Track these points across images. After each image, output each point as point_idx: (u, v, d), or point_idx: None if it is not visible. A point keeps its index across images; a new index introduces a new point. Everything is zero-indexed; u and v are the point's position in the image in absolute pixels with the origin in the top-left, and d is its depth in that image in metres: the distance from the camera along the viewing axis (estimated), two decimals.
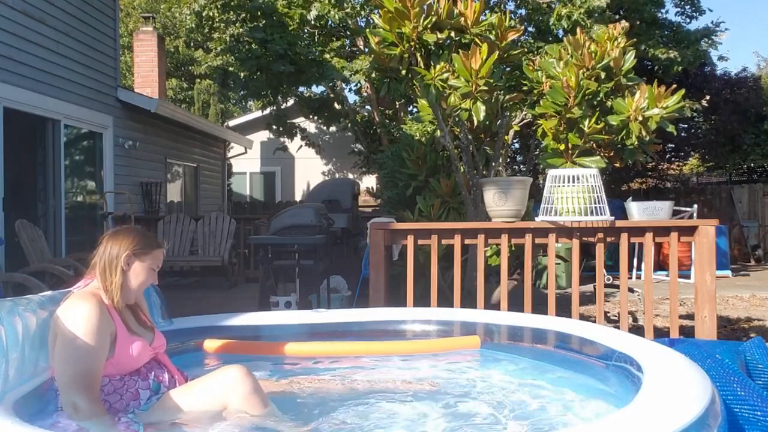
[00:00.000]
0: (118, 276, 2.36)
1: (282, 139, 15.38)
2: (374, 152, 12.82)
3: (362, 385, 2.94)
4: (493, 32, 4.94)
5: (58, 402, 2.28)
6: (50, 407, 2.30)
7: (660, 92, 4.70)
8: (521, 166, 11.59)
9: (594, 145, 4.98)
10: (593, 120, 4.75)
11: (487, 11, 5.00)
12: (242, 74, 11.92)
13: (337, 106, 14.08)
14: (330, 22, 11.66)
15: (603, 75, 4.83)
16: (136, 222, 8.86)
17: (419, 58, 4.92)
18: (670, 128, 4.83)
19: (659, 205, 4.64)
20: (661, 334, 4.84)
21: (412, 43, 4.82)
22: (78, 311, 2.24)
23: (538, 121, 5.08)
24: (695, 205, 10.78)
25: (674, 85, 4.83)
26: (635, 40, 5.58)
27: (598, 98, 4.86)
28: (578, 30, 5.19)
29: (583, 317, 4.83)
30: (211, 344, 3.26)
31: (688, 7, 12.74)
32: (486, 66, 4.55)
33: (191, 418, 2.32)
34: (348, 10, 11.16)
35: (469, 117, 4.78)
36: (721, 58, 12.44)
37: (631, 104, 4.72)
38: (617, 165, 5.18)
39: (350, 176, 16.75)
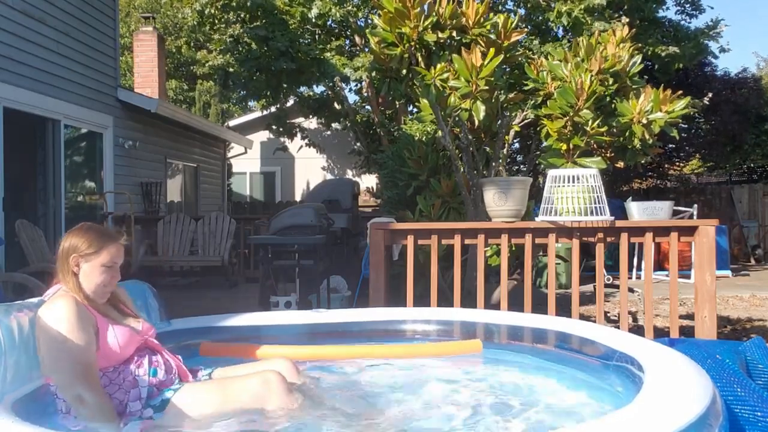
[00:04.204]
0: (71, 278, 2.35)
1: (282, 139, 15.39)
2: (374, 152, 12.82)
3: (367, 384, 2.94)
4: (495, 32, 4.94)
5: (58, 405, 2.29)
6: (50, 409, 2.31)
7: (665, 96, 4.69)
8: (521, 166, 11.58)
9: (595, 145, 4.97)
10: (596, 122, 4.75)
11: (488, 11, 5.00)
12: (242, 75, 11.92)
13: (337, 106, 14.08)
14: (331, 20, 11.66)
15: (610, 79, 4.83)
16: (136, 222, 8.86)
17: (420, 58, 4.92)
18: (673, 132, 4.82)
19: (659, 205, 4.64)
20: (661, 334, 4.84)
21: (413, 43, 4.81)
22: (56, 311, 2.25)
23: (543, 122, 5.07)
24: (695, 205, 10.77)
25: (679, 92, 4.82)
26: (639, 45, 5.59)
27: (605, 101, 4.86)
28: (596, 33, 5.19)
29: (583, 317, 4.83)
30: (207, 348, 3.25)
31: (689, 5, 12.74)
32: (489, 67, 4.54)
33: (223, 413, 2.36)
34: (349, 8, 11.16)
35: (469, 117, 4.78)
36: (722, 50, 12.41)
37: (635, 107, 4.71)
38: (618, 166, 5.18)
39: (350, 176, 16.76)
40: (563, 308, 5.00)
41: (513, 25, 4.98)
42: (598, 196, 4.23)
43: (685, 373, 2.25)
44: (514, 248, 5.26)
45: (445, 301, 4.92)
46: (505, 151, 5.84)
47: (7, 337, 2.18)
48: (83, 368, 2.21)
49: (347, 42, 13.11)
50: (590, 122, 4.73)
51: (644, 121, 4.68)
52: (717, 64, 15.88)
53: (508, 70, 5.43)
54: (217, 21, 11.76)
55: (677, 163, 16.15)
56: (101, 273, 2.37)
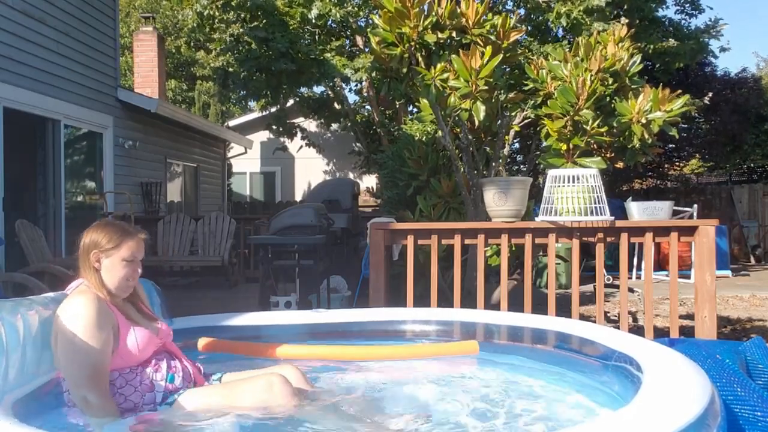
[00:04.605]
0: (93, 274, 2.36)
1: (282, 139, 15.39)
2: (374, 152, 12.82)
3: (364, 385, 2.94)
4: (495, 33, 4.94)
5: (65, 398, 2.31)
6: (51, 406, 2.32)
7: (664, 95, 4.69)
8: (521, 166, 11.58)
9: (595, 145, 4.98)
10: (596, 122, 4.75)
11: (487, 11, 5.02)
12: (242, 74, 11.93)
13: (337, 106, 14.09)
14: (331, 21, 11.67)
15: (610, 79, 4.83)
16: (135, 222, 8.86)
17: (420, 58, 4.92)
18: (673, 131, 4.82)
19: (659, 205, 4.64)
20: (661, 334, 4.84)
21: (413, 43, 4.82)
22: (76, 308, 2.25)
23: (543, 122, 5.07)
24: (695, 205, 10.77)
25: (678, 91, 4.82)
26: (639, 44, 5.61)
27: (605, 101, 4.86)
28: (595, 33, 5.19)
29: (583, 317, 4.83)
30: (204, 344, 3.24)
31: (688, 5, 12.75)
32: (488, 67, 4.55)
33: (226, 415, 2.35)
34: (349, 8, 11.17)
35: (469, 117, 4.79)
36: (722, 50, 12.43)
37: (634, 106, 4.71)
38: (618, 166, 5.18)
39: (350, 176, 16.76)
40: (563, 308, 5.00)
41: (511, 25, 4.99)
42: (598, 196, 4.23)
43: (683, 373, 2.25)
44: (514, 248, 5.26)
45: (445, 301, 4.92)
46: (505, 151, 5.84)
47: (10, 335, 2.16)
48: (94, 370, 2.21)
49: (347, 42, 13.12)
50: (590, 122, 4.73)
51: (643, 120, 4.68)
52: (717, 64, 15.87)
53: (507, 70, 5.44)
54: (216, 21, 11.75)
55: (677, 163, 16.15)
56: (123, 267, 2.38)
